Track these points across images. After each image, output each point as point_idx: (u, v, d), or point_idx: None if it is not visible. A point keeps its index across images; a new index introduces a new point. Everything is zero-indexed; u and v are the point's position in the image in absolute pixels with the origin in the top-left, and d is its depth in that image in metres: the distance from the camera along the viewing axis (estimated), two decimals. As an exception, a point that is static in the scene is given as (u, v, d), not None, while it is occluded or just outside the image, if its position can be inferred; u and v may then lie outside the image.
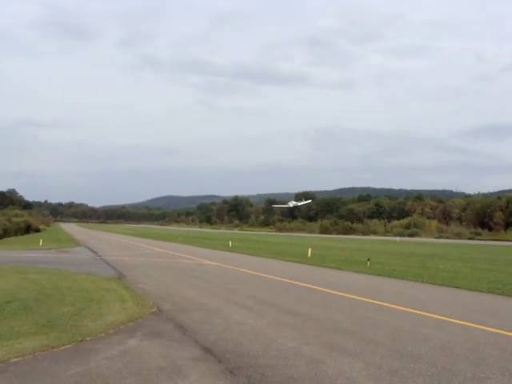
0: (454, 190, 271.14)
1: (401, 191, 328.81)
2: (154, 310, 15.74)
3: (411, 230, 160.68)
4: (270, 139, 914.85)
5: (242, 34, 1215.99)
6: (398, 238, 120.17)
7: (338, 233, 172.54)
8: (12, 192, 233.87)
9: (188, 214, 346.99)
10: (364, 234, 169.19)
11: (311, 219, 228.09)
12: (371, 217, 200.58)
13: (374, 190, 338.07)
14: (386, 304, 17.82)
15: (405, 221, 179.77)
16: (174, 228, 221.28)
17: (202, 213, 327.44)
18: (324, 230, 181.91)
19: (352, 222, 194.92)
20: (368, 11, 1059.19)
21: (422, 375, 9.38)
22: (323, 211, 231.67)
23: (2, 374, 9.04)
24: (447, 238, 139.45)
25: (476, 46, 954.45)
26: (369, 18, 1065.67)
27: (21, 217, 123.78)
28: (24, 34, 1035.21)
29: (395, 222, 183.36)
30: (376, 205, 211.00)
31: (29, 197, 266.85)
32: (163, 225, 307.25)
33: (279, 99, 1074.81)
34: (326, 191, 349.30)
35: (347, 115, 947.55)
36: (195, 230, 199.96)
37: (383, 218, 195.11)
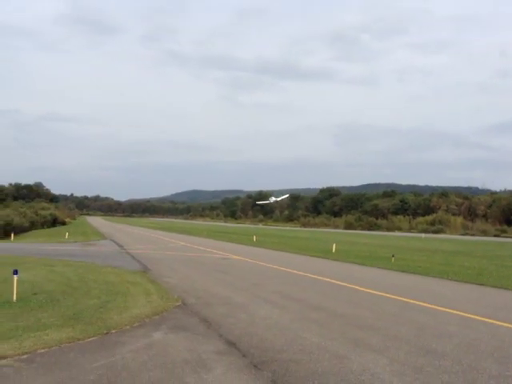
0: (479, 186, 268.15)
1: (426, 187, 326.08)
2: (179, 303, 15.81)
3: (436, 227, 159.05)
4: (294, 134, 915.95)
5: (266, 29, 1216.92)
6: (422, 235, 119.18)
7: (363, 228, 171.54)
8: (39, 185, 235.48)
9: (212, 208, 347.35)
10: (388, 230, 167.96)
11: (336, 215, 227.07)
12: (396, 213, 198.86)
13: (398, 186, 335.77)
14: (410, 300, 17.72)
15: (430, 217, 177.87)
16: (198, 222, 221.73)
17: (226, 207, 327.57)
18: (348, 226, 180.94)
19: (376, 218, 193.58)
20: (392, 6, 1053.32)
21: (447, 372, 9.33)
22: (348, 207, 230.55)
23: (29, 364, 9.15)
24: (472, 235, 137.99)
25: (501, 42, 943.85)
26: (393, 13, 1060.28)
27: (47, 210, 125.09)
28: (50, 30, 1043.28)
29: (420, 219, 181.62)
30: (401, 201, 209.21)
31: (55, 190, 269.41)
32: (188, 219, 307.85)
33: (302, 94, 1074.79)
34: (351, 187, 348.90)
35: (370, 110, 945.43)
36: (220, 224, 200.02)
37: (408, 215, 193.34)
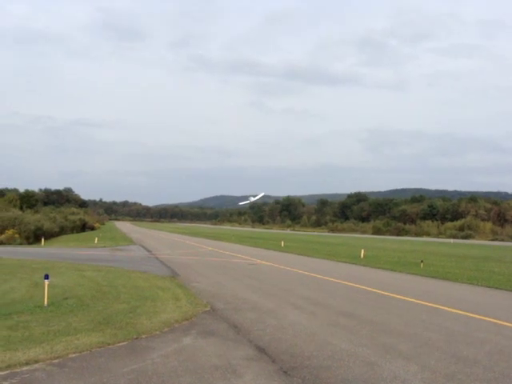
0: (509, 191, 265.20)
1: (454, 193, 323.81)
2: (208, 308, 15.86)
3: (465, 232, 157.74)
4: (322, 139, 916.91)
5: (294, 34, 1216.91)
6: (451, 240, 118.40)
7: (391, 234, 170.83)
8: (68, 190, 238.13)
9: (240, 213, 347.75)
10: (417, 235, 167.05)
11: (363, 220, 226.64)
12: (424, 218, 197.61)
13: (427, 191, 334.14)
14: (440, 307, 17.58)
15: (459, 222, 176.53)
16: (226, 227, 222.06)
17: (254, 213, 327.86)
18: (376, 231, 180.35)
19: (405, 224, 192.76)
20: (420, 11, 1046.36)
21: (479, 380, 9.24)
22: (376, 212, 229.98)
23: (61, 368, 9.24)
24: (502, 240, 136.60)
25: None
26: (421, 17, 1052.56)
27: (77, 215, 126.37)
28: (80, 37, 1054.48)
29: (449, 224, 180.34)
30: (429, 206, 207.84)
31: (84, 195, 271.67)
32: (216, 224, 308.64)
33: (330, 99, 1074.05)
34: (379, 192, 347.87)
35: (399, 115, 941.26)
36: (247, 229, 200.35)
37: (436, 220, 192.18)
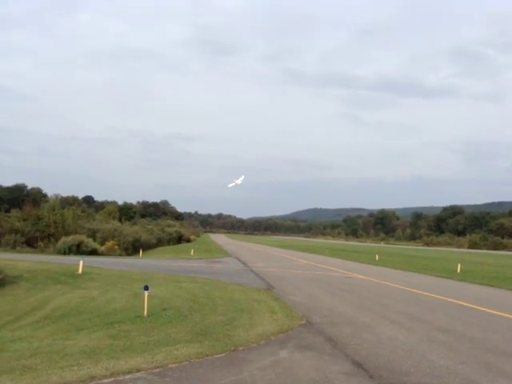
0: None
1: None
2: (304, 322, 15.83)
3: None
4: (415, 151, 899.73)
5: (386, 46, 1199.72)
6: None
7: (488, 248, 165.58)
8: (165, 203, 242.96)
9: (334, 226, 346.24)
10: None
11: (459, 234, 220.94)
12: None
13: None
14: (545, 325, 16.95)
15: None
16: (319, 240, 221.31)
17: (347, 226, 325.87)
18: (473, 245, 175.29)
19: (502, 238, 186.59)
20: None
21: None
22: (472, 226, 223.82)
23: (161, 378, 9.44)
24: None
25: None
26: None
27: (173, 227, 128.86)
28: (175, 52, 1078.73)
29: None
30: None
31: (180, 208, 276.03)
32: (309, 237, 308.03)
33: (423, 111, 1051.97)
34: (475, 205, 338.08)
35: (495, 127, 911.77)
36: (341, 242, 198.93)
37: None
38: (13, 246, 56.73)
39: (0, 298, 21.79)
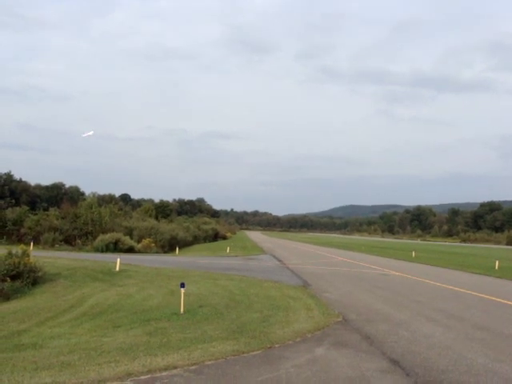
0: None
1: None
2: (340, 319, 15.78)
3: None
4: (452, 147, 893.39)
5: (421, 41, 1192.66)
6: None
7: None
8: (201, 201, 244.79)
9: (370, 223, 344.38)
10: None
11: (497, 230, 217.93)
12: None
13: None
14: None
15: None
16: (355, 237, 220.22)
17: (384, 222, 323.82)
18: (511, 242, 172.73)
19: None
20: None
21: None
22: (510, 222, 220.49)
23: (197, 375, 9.50)
24: None
25: None
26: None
27: (209, 224, 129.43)
28: (209, 52, 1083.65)
29: None
30: None
31: (216, 205, 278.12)
32: (345, 234, 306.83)
33: (459, 106, 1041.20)
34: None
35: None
36: (377, 239, 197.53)
37: None
38: (51, 244, 57.42)
39: (39, 295, 22.13)
